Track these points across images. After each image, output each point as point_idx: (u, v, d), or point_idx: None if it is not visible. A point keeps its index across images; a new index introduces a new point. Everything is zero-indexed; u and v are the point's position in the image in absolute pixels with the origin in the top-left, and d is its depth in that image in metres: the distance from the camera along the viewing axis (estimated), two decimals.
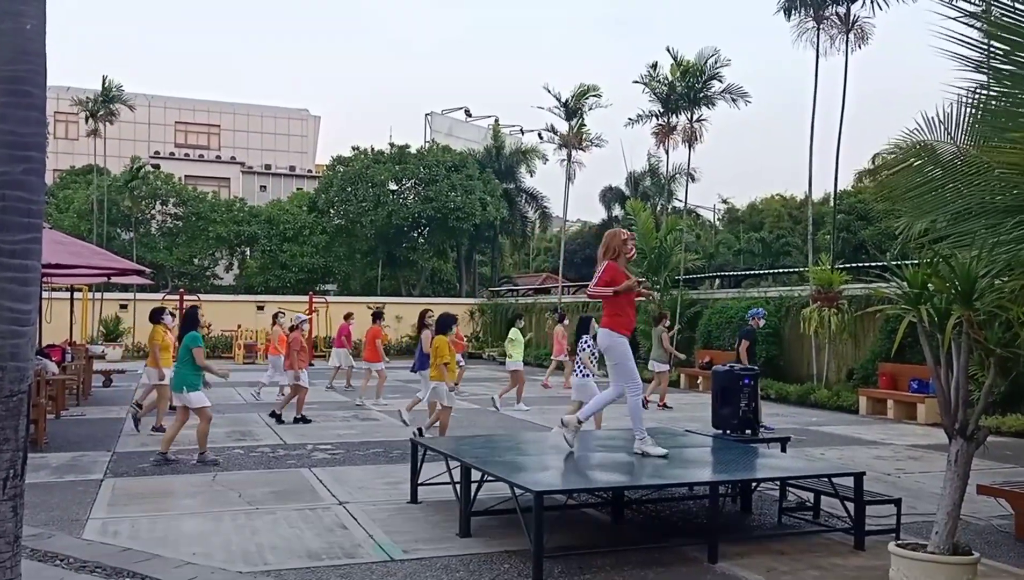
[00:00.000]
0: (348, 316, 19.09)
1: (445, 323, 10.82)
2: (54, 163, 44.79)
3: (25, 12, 3.98)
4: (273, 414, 13.38)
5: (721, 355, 18.78)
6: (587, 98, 30.53)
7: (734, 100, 24.81)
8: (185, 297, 27.53)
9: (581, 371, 11.43)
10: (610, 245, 7.37)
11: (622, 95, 50.28)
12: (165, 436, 9.79)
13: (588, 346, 11.37)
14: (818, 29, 20.47)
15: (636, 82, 25.69)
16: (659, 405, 15.90)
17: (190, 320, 10.01)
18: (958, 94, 4.97)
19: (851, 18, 20.10)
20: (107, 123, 33.06)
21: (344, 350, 18.70)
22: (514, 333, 16.66)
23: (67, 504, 7.57)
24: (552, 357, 21.00)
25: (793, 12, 20.76)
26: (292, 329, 14.30)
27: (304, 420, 13.17)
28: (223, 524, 6.94)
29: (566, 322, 21.40)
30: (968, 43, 4.45)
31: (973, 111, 4.99)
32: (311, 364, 25.90)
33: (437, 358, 10.50)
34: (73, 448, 10.54)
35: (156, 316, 11.97)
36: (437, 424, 10.78)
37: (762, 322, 14.19)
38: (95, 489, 8.23)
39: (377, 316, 16.39)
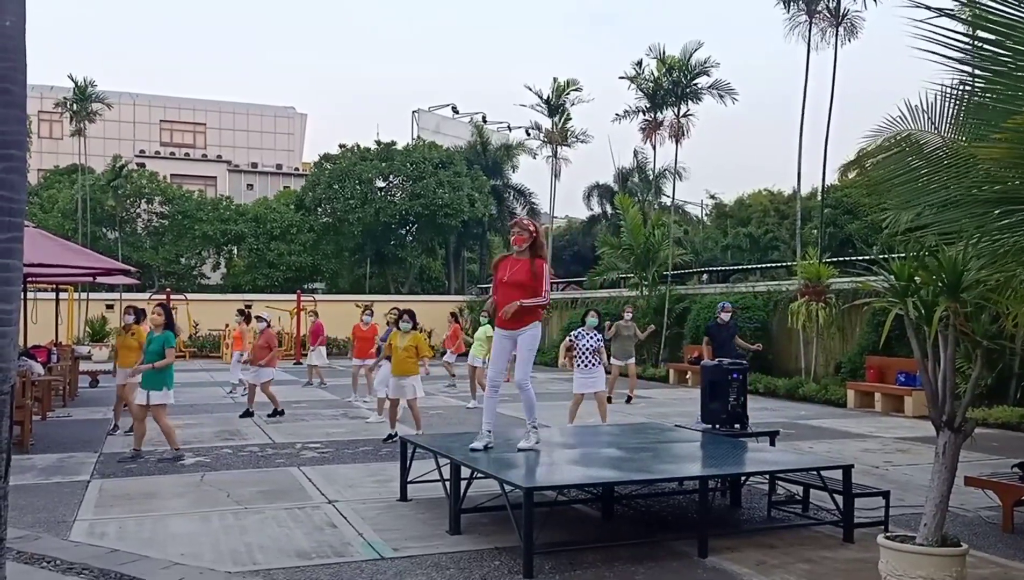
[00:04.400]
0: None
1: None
2: (38, 163, 44.45)
3: (4, 8, 3.92)
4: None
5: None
6: (568, 93, 30.51)
7: (721, 97, 24.84)
8: (172, 297, 27.41)
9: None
10: (543, 240, 7.06)
11: (612, 87, 50.47)
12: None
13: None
14: (810, 23, 20.53)
15: (622, 77, 25.69)
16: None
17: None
18: (942, 86, 4.97)
19: (841, 11, 20.17)
20: (87, 122, 32.73)
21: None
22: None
23: (54, 506, 7.51)
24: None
25: (790, 4, 20.81)
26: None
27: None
28: (211, 524, 6.90)
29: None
30: (954, 37, 4.44)
31: (957, 104, 4.98)
32: (299, 362, 26.06)
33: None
34: (59, 449, 10.47)
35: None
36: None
37: None
38: (82, 490, 8.17)
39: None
